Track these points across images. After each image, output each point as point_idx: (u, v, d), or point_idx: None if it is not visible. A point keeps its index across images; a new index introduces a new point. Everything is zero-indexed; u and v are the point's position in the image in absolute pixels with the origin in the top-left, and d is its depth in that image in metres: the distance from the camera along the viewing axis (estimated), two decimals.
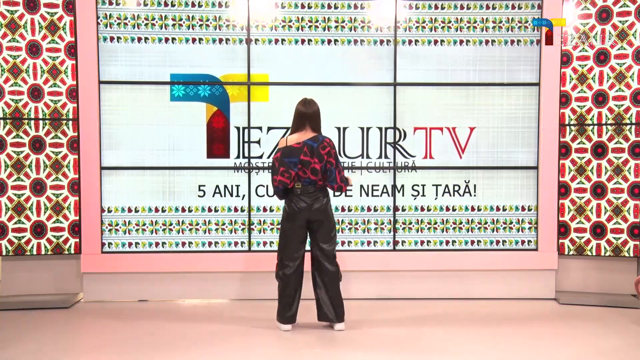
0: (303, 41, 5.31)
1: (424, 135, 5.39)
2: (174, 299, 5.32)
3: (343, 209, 5.37)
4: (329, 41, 5.31)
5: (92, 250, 5.22)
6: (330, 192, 4.53)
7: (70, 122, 5.18)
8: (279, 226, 4.56)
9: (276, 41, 5.29)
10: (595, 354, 4.01)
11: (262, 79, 5.32)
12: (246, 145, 5.34)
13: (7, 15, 5.04)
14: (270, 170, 4.76)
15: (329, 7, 5.29)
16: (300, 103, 4.44)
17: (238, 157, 5.35)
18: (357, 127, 5.37)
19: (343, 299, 4.45)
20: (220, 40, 5.28)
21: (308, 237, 4.45)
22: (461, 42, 5.32)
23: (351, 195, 5.38)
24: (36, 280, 5.30)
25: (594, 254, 5.29)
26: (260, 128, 5.35)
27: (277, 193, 4.43)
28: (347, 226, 5.37)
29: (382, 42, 5.32)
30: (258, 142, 5.35)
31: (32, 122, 5.13)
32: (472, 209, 5.40)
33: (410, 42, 5.32)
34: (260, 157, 5.36)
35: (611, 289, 5.36)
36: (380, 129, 5.37)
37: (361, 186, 5.39)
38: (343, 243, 5.35)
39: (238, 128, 5.34)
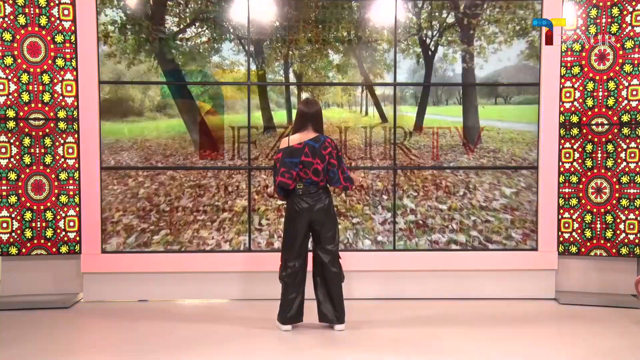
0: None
1: (429, 135, 5.41)
2: (174, 299, 5.32)
3: (344, 209, 5.37)
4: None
5: (92, 250, 5.22)
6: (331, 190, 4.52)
7: (69, 122, 5.18)
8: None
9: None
10: (595, 354, 4.01)
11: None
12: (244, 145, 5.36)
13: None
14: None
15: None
16: (302, 103, 4.44)
17: (233, 158, 5.37)
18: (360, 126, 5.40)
19: (344, 300, 4.44)
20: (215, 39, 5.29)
21: (311, 237, 4.44)
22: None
23: (351, 195, 5.38)
24: (36, 280, 5.29)
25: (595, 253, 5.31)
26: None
27: (279, 194, 4.43)
28: (347, 226, 5.36)
29: (382, 41, 5.33)
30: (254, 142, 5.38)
31: (32, 122, 5.13)
32: (472, 209, 5.39)
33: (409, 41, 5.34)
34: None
35: (611, 289, 5.35)
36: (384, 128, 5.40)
37: (362, 186, 5.39)
38: (345, 243, 5.35)
39: (233, 127, 5.35)
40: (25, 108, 5.11)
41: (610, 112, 5.19)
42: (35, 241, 5.18)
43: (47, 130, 5.15)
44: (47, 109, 5.13)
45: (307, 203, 4.31)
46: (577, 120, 5.26)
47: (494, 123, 5.47)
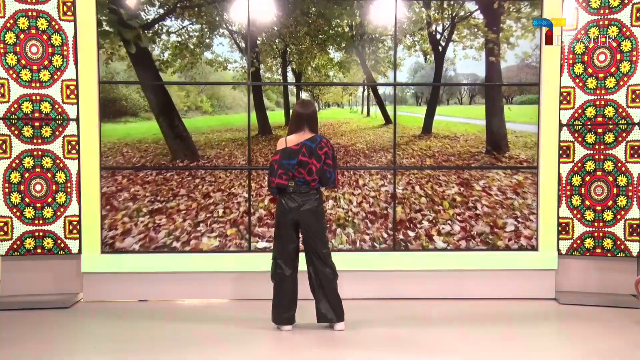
0: None
1: (439, 139, 5.36)
2: (174, 299, 5.31)
3: (344, 209, 5.36)
4: None
5: (92, 250, 5.22)
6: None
7: (70, 122, 5.17)
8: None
9: None
10: (596, 354, 4.01)
11: None
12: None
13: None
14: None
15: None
16: (297, 104, 4.48)
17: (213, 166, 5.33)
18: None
19: (342, 299, 4.44)
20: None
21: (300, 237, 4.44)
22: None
23: (363, 231, 5.33)
24: (36, 280, 5.29)
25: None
26: None
27: (273, 192, 4.45)
28: (347, 226, 5.36)
29: (386, 37, 5.31)
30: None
31: (32, 122, 5.13)
32: (472, 208, 5.38)
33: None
34: None
35: (611, 289, 5.34)
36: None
37: (373, 213, 5.34)
38: (348, 243, 5.35)
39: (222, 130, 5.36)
40: (24, 119, 5.12)
41: (610, 123, 5.19)
42: (36, 241, 5.18)
43: (47, 130, 5.13)
44: (47, 108, 5.13)
45: (296, 202, 4.32)
46: (580, 123, 5.26)
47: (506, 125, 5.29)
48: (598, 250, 5.27)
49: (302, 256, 4.44)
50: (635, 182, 5.15)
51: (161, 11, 5.20)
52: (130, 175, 5.21)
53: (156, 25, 5.20)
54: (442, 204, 5.24)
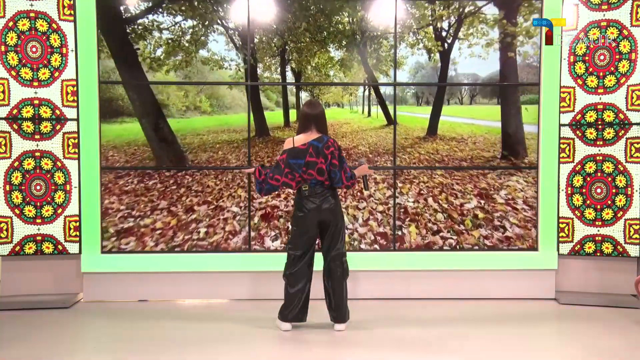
0: None
1: (446, 141, 5.33)
2: (174, 299, 5.31)
3: (348, 229, 5.34)
4: None
5: (92, 250, 5.22)
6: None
7: (70, 122, 5.17)
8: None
9: None
10: (596, 354, 4.01)
11: None
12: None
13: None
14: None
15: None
16: (305, 104, 4.48)
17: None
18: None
19: (347, 300, 4.44)
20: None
21: (318, 238, 4.44)
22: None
23: (357, 208, 5.33)
24: (36, 280, 5.29)
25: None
26: None
27: (262, 190, 4.39)
28: (349, 226, 5.36)
29: (388, 35, 5.30)
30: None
31: (32, 122, 5.13)
32: (500, 227, 5.36)
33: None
34: None
35: (611, 289, 5.35)
36: None
37: (369, 196, 5.33)
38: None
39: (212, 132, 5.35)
40: (26, 107, 5.12)
41: (612, 129, 5.21)
42: (36, 241, 5.18)
43: (47, 130, 5.14)
44: (47, 108, 5.13)
45: (314, 203, 4.32)
46: (580, 124, 5.27)
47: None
48: (598, 254, 5.28)
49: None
50: (635, 183, 5.16)
51: (151, 5, 5.11)
52: (108, 183, 5.14)
53: (146, 21, 5.10)
54: (463, 223, 5.00)
